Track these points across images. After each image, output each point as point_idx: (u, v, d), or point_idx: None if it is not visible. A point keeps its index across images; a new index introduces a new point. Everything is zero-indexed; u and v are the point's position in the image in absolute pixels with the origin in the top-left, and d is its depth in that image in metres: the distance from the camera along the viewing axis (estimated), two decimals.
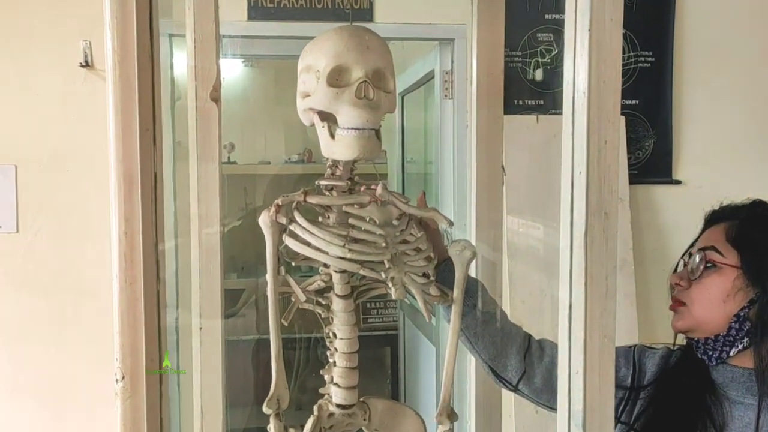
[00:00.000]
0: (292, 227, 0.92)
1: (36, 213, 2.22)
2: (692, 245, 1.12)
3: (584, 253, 0.71)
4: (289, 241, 0.93)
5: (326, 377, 0.97)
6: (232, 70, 3.75)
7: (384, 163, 3.33)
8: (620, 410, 1.13)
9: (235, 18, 2.27)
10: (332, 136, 0.92)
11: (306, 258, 0.93)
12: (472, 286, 1.11)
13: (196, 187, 1.11)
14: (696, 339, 1.08)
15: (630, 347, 1.20)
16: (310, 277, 0.97)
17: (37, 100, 2.20)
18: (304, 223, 0.92)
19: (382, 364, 3.52)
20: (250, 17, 2.28)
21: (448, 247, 1.02)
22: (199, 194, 1.11)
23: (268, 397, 0.92)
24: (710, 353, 1.05)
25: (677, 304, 1.09)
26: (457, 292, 0.99)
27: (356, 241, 0.92)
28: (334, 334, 0.96)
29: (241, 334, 2.93)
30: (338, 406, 0.97)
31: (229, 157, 3.49)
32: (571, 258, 0.72)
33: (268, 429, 0.93)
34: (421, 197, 1.12)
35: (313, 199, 0.94)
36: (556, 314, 0.74)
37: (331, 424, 0.95)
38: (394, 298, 0.94)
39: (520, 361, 1.13)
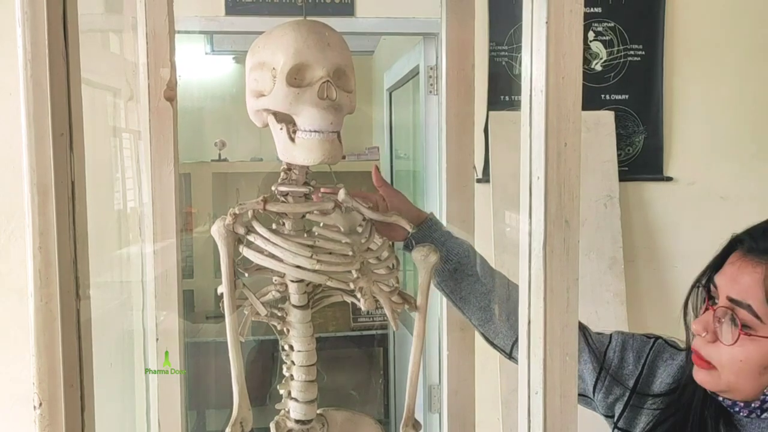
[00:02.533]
0: (250, 237, 0.87)
1: (8, 216, 2.17)
2: (713, 270, 0.91)
3: (543, 264, 0.65)
4: (248, 253, 0.87)
5: (282, 392, 0.92)
6: (222, 67, 3.69)
7: (377, 160, 3.28)
8: (619, 415, 1.02)
9: (212, 13, 2.21)
10: (292, 139, 0.86)
11: (260, 269, 0.88)
12: (454, 247, 1.05)
13: (150, 190, 1.06)
14: (722, 398, 0.92)
15: (650, 340, 1.05)
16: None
17: (9, 100, 2.14)
18: (266, 234, 0.86)
19: (373, 364, 3.47)
20: (228, 12, 2.22)
21: (412, 253, 0.97)
22: (154, 198, 1.05)
23: (231, 421, 0.87)
24: (738, 411, 0.91)
25: (704, 363, 0.90)
26: (421, 299, 0.94)
27: (323, 251, 0.87)
28: (291, 347, 0.91)
29: None
30: (297, 421, 0.92)
31: (219, 155, 3.43)
32: (529, 269, 0.67)
33: None
34: (375, 171, 1.09)
35: (273, 207, 0.89)
36: None
37: None
38: (363, 309, 0.89)
39: (513, 326, 1.03)
